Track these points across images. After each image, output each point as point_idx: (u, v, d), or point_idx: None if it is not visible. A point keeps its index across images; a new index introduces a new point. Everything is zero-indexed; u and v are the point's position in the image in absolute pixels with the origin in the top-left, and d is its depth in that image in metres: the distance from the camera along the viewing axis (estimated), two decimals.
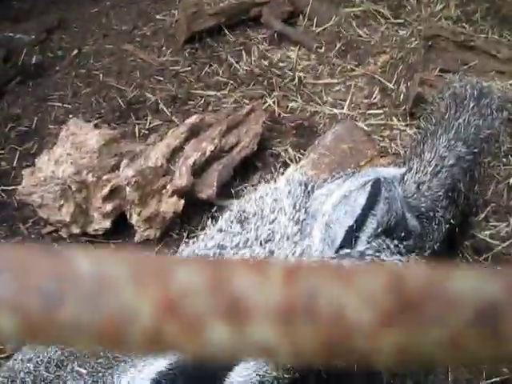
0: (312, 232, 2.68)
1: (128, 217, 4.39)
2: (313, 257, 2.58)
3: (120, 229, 4.51)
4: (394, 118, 5.51)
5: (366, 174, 3.02)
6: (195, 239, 2.82)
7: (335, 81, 5.93)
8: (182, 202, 4.24)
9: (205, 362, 2.44)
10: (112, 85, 5.95)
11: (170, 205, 4.22)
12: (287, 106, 5.64)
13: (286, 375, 2.57)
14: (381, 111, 5.59)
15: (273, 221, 2.72)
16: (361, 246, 2.72)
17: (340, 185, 2.91)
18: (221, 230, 2.76)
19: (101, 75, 6.07)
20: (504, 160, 5.16)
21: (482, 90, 3.40)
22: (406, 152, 3.58)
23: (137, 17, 6.89)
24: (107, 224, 4.41)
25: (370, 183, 2.88)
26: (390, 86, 5.79)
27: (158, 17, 6.86)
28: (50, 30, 6.66)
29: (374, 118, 5.53)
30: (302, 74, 5.98)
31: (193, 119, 4.74)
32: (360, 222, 2.76)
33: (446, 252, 3.44)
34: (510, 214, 4.73)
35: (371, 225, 2.79)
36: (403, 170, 3.18)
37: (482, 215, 4.65)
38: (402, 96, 5.63)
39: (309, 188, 2.91)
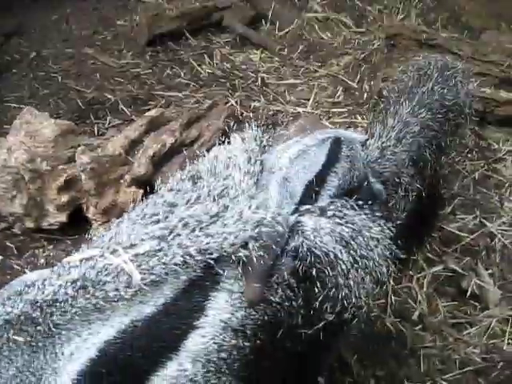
0: (269, 185, 2.54)
1: (84, 210, 4.22)
2: (270, 210, 2.45)
3: (76, 224, 4.33)
4: (357, 116, 5.45)
5: (325, 132, 2.89)
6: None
7: (298, 81, 5.87)
8: (141, 191, 4.07)
9: (156, 328, 2.27)
10: (71, 86, 5.81)
11: (129, 195, 4.06)
12: (250, 106, 5.55)
13: (246, 343, 2.42)
14: (344, 109, 5.54)
15: (227, 177, 2.57)
16: (322, 202, 2.59)
17: (298, 140, 2.78)
18: (171, 189, 2.60)
19: (59, 77, 5.94)
20: (469, 155, 5.14)
21: (447, 63, 3.34)
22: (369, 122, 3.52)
23: (97, 23, 6.79)
24: (63, 218, 4.23)
25: (331, 140, 2.77)
26: (354, 85, 5.76)
27: (119, 22, 6.76)
28: (7, 34, 6.52)
29: (337, 116, 5.47)
30: (264, 75, 5.92)
31: (152, 112, 4.62)
32: (320, 179, 2.65)
33: (415, 230, 3.35)
34: (476, 208, 4.69)
35: (332, 182, 2.68)
36: (366, 136, 3.07)
37: (449, 208, 4.60)
38: (365, 94, 5.60)
39: (264, 142, 2.78)
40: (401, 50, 5.74)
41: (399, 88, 3.32)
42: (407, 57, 5.61)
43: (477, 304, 4.11)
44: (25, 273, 4.10)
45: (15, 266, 4.24)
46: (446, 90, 3.22)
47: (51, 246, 4.34)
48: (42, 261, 4.26)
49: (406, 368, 3.74)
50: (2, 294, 2.29)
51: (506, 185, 4.90)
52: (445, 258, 4.33)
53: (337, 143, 2.77)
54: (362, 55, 6.04)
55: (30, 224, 4.25)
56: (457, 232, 4.48)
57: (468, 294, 4.11)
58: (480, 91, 5.13)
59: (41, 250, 4.32)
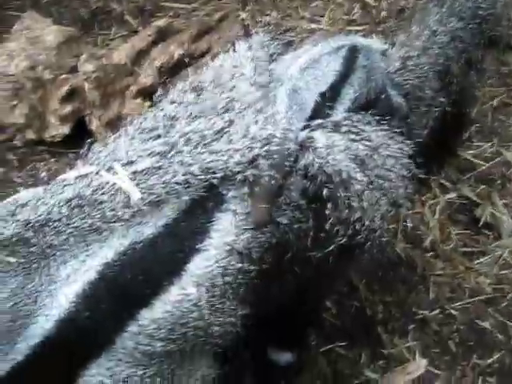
0: (277, 98, 2.33)
1: (87, 122, 4.07)
2: (279, 125, 2.27)
3: (79, 137, 4.18)
4: (374, 35, 5.19)
5: (340, 39, 2.65)
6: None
7: None
8: (148, 104, 3.91)
9: (157, 250, 2.15)
10: None
11: (134, 106, 3.90)
12: (261, 21, 5.30)
13: (251, 266, 2.29)
14: (360, 28, 5.28)
15: (232, 88, 2.37)
16: (335, 117, 2.40)
17: (309, 49, 2.56)
18: (172, 102, 2.40)
19: None
20: (489, 81, 4.93)
21: None
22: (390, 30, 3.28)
23: None
24: (65, 130, 4.09)
25: (346, 48, 2.55)
26: (371, 2, 5.47)
27: None
28: None
29: (353, 34, 5.21)
30: None
31: (160, 22, 4.42)
32: (334, 90, 2.44)
33: (436, 150, 3.17)
34: (493, 135, 4.53)
35: (347, 94, 2.47)
36: (385, 46, 2.84)
37: (466, 135, 4.43)
38: (383, 13, 5.34)
39: (272, 50, 2.55)
40: None
41: None
42: None
43: (489, 233, 4.00)
44: (25, 187, 4.02)
45: (16, 179, 4.13)
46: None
47: (53, 160, 4.22)
48: (44, 174, 4.14)
49: (415, 295, 3.67)
50: None
51: None
52: (459, 185, 4.20)
53: (353, 51, 2.55)
54: None
55: (31, 135, 4.11)
56: (472, 159, 4.34)
57: (481, 223, 4.00)
58: None
59: (42, 164, 4.21)
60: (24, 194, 2.28)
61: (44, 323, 2.09)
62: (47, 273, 2.10)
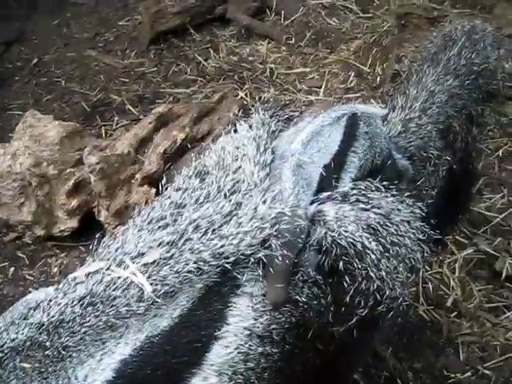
0: (282, 175, 2.30)
1: (96, 214, 4.06)
2: (287, 203, 2.24)
3: (88, 229, 4.17)
4: (372, 100, 5.24)
5: (339, 108, 2.61)
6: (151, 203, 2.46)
7: (308, 69, 5.67)
8: (154, 190, 3.90)
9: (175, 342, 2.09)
10: (75, 90, 5.66)
11: (141, 194, 3.90)
12: (260, 98, 5.36)
13: (273, 349, 2.23)
14: (358, 94, 5.33)
15: (236, 170, 2.34)
16: (343, 187, 2.36)
17: (309, 121, 2.52)
18: (178, 189, 2.38)
19: (63, 82, 5.79)
20: (491, 133, 4.93)
21: (475, 26, 3.11)
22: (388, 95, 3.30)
23: (98, 25, 6.61)
24: (74, 223, 4.08)
25: (346, 117, 2.53)
26: (366, 69, 5.55)
27: (120, 23, 6.58)
28: (8, 42, 6.37)
29: (351, 102, 5.26)
30: (273, 66, 5.72)
31: (160, 108, 4.46)
32: (338, 161, 2.41)
33: (448, 208, 3.14)
34: (503, 186, 4.50)
35: (352, 163, 2.44)
36: (385, 110, 2.84)
37: (476, 189, 4.40)
38: (378, 78, 5.40)
39: (273, 127, 2.52)
40: (412, 30, 5.54)
41: (422, 55, 3.08)
42: (419, 36, 5.43)
43: None
44: (38, 284, 3.99)
45: (28, 277, 4.10)
46: (474, 55, 2.99)
47: (64, 254, 4.20)
48: (56, 270, 4.13)
49: (445, 358, 3.56)
50: (5, 319, 2.13)
51: None
52: (475, 239, 4.14)
53: (353, 119, 2.54)
54: (372, 38, 5.81)
55: (40, 232, 4.11)
56: (485, 212, 4.30)
57: (503, 276, 3.91)
58: None
59: (53, 259, 4.19)
60: (35, 295, 2.24)
61: None
62: (64, 375, 2.04)
